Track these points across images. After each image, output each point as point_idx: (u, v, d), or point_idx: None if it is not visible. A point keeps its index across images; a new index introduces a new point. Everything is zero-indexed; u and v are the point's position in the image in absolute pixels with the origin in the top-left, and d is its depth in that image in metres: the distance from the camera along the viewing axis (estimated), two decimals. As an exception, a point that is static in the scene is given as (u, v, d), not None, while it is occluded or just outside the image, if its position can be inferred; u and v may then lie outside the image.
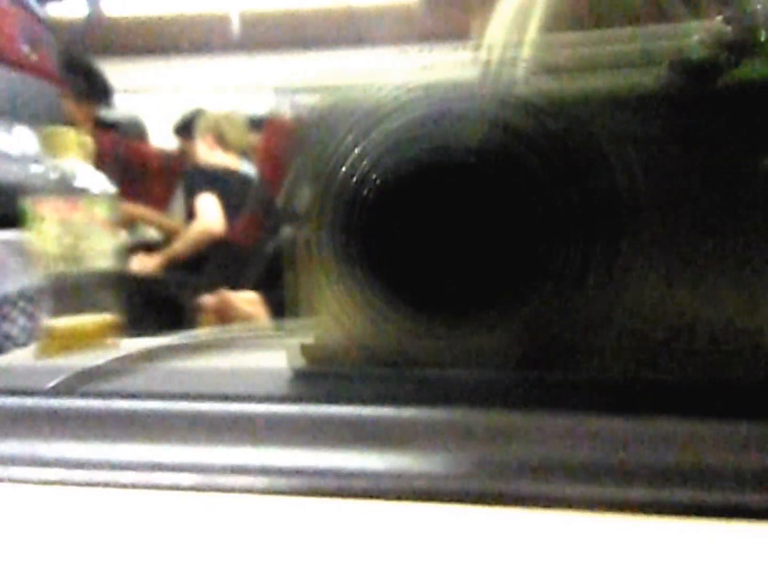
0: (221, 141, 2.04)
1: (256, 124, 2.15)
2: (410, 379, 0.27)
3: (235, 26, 3.26)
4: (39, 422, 0.26)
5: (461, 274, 0.26)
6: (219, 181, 1.93)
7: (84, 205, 0.49)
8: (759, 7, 0.24)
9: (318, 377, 0.29)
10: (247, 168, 2.10)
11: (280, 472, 0.22)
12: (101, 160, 0.57)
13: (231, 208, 1.88)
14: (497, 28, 0.48)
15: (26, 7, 1.35)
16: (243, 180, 2.02)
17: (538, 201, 0.25)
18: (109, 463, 0.24)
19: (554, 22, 0.43)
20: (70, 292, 0.49)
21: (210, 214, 1.86)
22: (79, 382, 0.31)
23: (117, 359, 0.36)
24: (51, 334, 0.48)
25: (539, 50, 0.27)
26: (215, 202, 1.88)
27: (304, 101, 0.29)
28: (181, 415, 0.25)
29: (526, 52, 0.28)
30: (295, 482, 0.22)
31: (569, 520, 0.20)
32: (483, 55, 0.28)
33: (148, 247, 1.96)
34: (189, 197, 1.96)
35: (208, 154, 2.03)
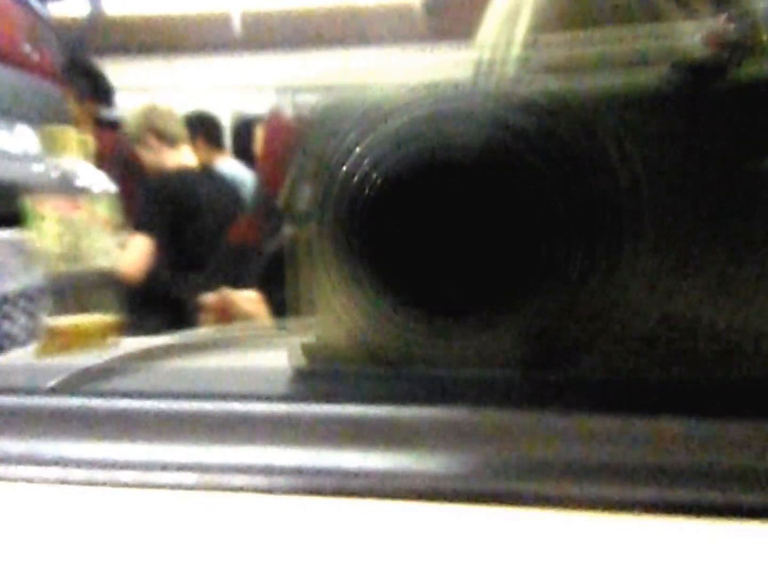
0: (164, 138, 1.83)
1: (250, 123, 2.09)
2: (411, 379, 0.27)
3: (236, 26, 3.26)
4: (39, 421, 0.26)
5: (463, 274, 0.26)
6: (180, 186, 1.76)
7: (85, 204, 0.49)
8: (761, 6, 0.24)
9: (319, 376, 0.29)
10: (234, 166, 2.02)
11: (281, 471, 0.22)
12: (102, 159, 0.57)
13: (204, 208, 1.75)
14: (493, 28, 0.48)
15: (28, 7, 1.35)
16: (208, 176, 1.86)
17: (540, 200, 0.25)
18: (110, 462, 0.24)
19: (549, 22, 0.43)
20: (71, 291, 0.49)
21: (128, 259, 1.64)
22: (79, 381, 0.31)
23: (117, 358, 0.36)
24: (51, 333, 0.48)
25: (540, 49, 0.27)
26: (143, 245, 1.69)
27: (306, 101, 0.29)
28: (182, 414, 0.25)
29: (526, 51, 0.28)
30: (296, 481, 0.22)
31: (570, 520, 0.20)
32: (484, 54, 0.28)
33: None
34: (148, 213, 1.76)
35: (158, 157, 1.83)
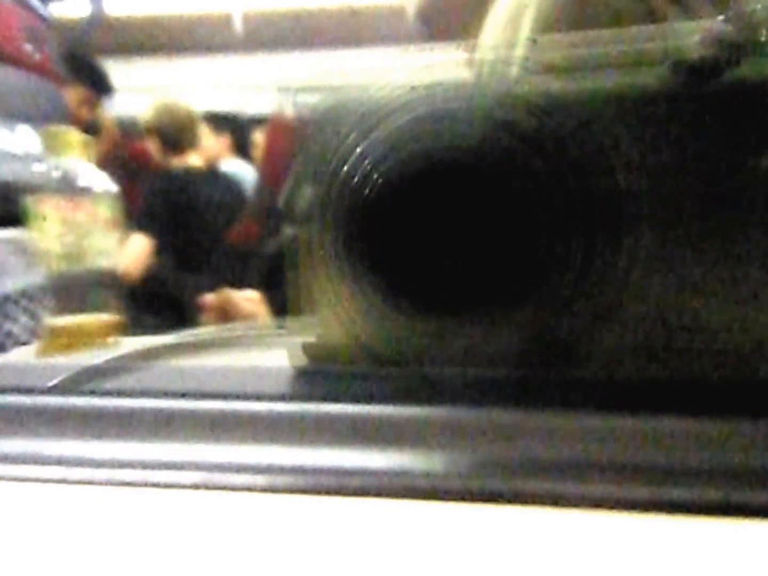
0: (168, 142, 1.79)
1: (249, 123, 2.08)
2: (411, 378, 0.27)
3: (236, 26, 3.26)
4: (40, 420, 0.26)
5: (462, 274, 0.26)
6: (182, 186, 1.74)
7: (86, 204, 0.49)
8: (759, 6, 0.24)
9: (319, 376, 0.29)
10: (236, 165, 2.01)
11: (282, 470, 0.22)
12: (104, 159, 0.57)
13: (206, 208, 1.73)
14: (493, 29, 0.48)
15: (29, 7, 1.35)
16: (212, 176, 1.83)
17: (539, 200, 0.25)
18: (111, 461, 0.24)
19: (551, 25, 0.43)
20: (72, 290, 0.49)
21: (128, 258, 1.63)
22: (80, 381, 0.31)
23: (118, 358, 0.36)
24: (52, 333, 0.48)
25: (540, 50, 0.27)
26: (143, 244, 1.68)
27: (306, 101, 0.29)
28: (183, 413, 0.25)
29: (526, 51, 0.28)
30: (297, 480, 0.22)
31: (570, 519, 0.20)
32: (484, 54, 0.28)
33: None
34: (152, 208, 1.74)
35: (161, 158, 1.81)
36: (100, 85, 1.98)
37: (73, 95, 1.72)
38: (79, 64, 1.86)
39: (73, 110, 1.66)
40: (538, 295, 0.26)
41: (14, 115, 1.25)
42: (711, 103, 0.24)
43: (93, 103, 1.92)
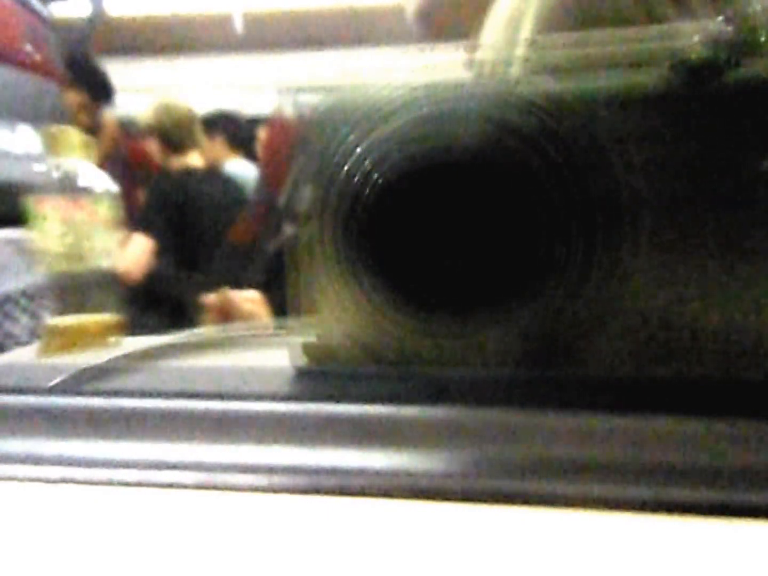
0: (169, 143, 1.79)
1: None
2: (412, 378, 0.27)
3: (236, 26, 3.27)
4: (41, 420, 0.26)
5: (463, 273, 0.26)
6: (183, 186, 1.74)
7: (86, 204, 0.49)
8: (759, 7, 0.24)
9: (320, 376, 0.29)
10: (241, 166, 2.01)
11: (282, 470, 0.22)
12: (104, 159, 0.57)
13: (206, 208, 1.73)
14: (493, 29, 0.48)
15: (29, 7, 1.35)
16: (212, 176, 1.83)
17: (540, 200, 0.25)
18: (111, 461, 0.24)
19: (552, 26, 0.43)
20: (73, 290, 0.49)
21: (129, 258, 1.63)
22: (81, 381, 0.31)
23: (119, 358, 0.36)
24: (53, 333, 0.48)
25: (540, 50, 0.27)
26: (143, 245, 1.68)
27: (307, 101, 0.29)
28: (183, 413, 0.25)
29: (526, 52, 0.28)
30: (297, 480, 0.22)
31: (570, 519, 0.20)
32: (484, 54, 0.28)
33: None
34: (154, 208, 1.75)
35: (161, 159, 1.81)
36: (100, 91, 1.97)
37: (72, 99, 1.72)
38: (80, 68, 1.86)
39: (72, 114, 1.66)
40: (538, 295, 0.26)
41: (14, 115, 1.25)
42: (711, 103, 0.24)
43: (93, 108, 1.92)
